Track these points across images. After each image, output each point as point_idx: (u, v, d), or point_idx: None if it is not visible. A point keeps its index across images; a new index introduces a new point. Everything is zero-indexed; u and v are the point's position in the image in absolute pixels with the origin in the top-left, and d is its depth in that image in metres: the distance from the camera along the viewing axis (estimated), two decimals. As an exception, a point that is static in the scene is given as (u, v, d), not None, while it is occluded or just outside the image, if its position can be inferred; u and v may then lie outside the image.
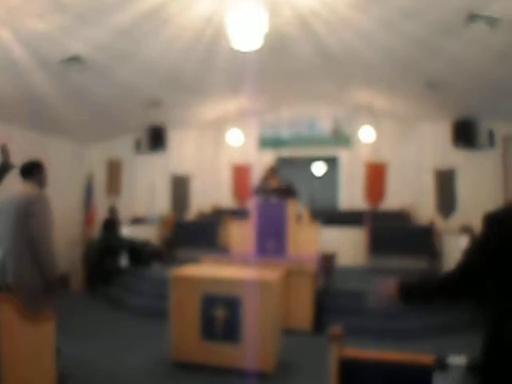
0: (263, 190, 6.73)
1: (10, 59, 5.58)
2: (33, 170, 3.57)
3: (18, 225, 3.34)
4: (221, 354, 4.20)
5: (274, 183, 6.77)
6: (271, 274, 4.51)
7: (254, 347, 4.07)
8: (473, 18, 4.88)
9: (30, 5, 4.59)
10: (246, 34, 4.47)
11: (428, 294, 1.78)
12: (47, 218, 3.42)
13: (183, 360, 4.31)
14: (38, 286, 3.32)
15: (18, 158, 3.65)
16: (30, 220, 3.30)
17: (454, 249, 6.64)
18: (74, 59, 5.87)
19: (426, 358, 1.83)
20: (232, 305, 4.18)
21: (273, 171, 7.02)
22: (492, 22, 4.84)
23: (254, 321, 4.11)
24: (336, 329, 1.96)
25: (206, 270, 4.98)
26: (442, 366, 1.71)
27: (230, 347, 4.18)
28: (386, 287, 1.78)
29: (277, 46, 6.04)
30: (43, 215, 3.38)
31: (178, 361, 4.33)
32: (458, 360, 1.72)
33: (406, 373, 1.80)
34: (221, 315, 4.21)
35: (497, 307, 1.57)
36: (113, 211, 9.07)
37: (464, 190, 8.83)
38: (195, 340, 4.29)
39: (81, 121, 8.47)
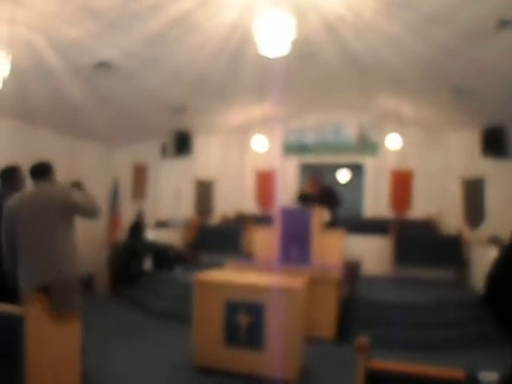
0: (303, 197, 6.74)
1: (43, 65, 5.74)
2: (47, 171, 3.60)
3: (55, 221, 3.35)
4: (243, 360, 4.19)
5: (315, 190, 6.76)
6: (295, 281, 4.48)
7: (277, 354, 4.04)
8: (503, 24, 4.79)
9: (63, 12, 4.72)
10: (274, 40, 4.47)
11: None
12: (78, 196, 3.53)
13: (205, 365, 4.31)
14: (74, 285, 3.38)
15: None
16: (71, 205, 3.40)
17: (482, 260, 6.47)
18: (104, 65, 5.99)
19: (455, 372, 1.78)
20: (255, 311, 4.17)
21: (314, 179, 6.99)
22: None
23: (278, 328, 4.08)
24: (363, 339, 1.93)
25: (229, 275, 4.98)
26: (472, 381, 1.66)
27: (253, 353, 4.17)
28: None
29: (303, 52, 6.03)
30: (75, 195, 3.49)
31: (200, 365, 4.33)
32: (489, 376, 1.67)
33: (435, 387, 1.76)
34: (244, 321, 4.20)
35: None
36: (140, 215, 9.19)
37: (493, 199, 8.57)
38: (218, 345, 4.29)
39: (108, 125, 8.62)
